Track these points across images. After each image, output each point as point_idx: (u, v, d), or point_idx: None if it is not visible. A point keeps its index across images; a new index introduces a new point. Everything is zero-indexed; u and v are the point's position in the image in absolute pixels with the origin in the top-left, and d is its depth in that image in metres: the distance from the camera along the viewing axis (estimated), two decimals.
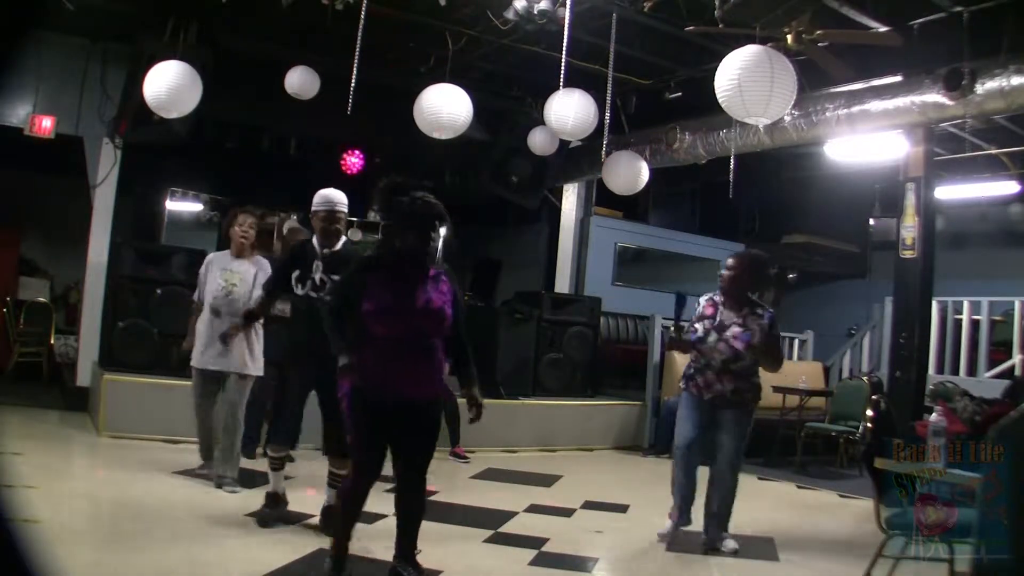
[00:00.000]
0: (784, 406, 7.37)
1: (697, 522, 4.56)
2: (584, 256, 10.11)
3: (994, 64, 5.49)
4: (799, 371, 8.04)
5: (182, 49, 6.47)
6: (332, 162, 9.74)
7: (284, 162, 9.42)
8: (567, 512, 5.16)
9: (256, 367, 4.96)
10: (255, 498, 4.45)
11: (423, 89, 6.00)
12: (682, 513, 4.57)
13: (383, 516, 4.13)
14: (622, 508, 5.39)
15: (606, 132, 6.52)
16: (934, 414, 3.59)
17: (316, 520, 4.27)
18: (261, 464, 4.87)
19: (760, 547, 4.52)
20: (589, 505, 5.40)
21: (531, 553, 4.10)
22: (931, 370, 7.50)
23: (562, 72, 5.81)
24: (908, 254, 6.64)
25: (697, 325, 4.53)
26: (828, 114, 6.54)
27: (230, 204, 8.93)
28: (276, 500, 4.28)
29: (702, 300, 4.60)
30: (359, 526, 4.13)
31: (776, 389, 7.26)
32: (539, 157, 8.30)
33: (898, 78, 6.19)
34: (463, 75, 6.83)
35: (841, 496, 6.35)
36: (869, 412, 3.75)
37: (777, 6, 5.59)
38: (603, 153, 6.93)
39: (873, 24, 5.73)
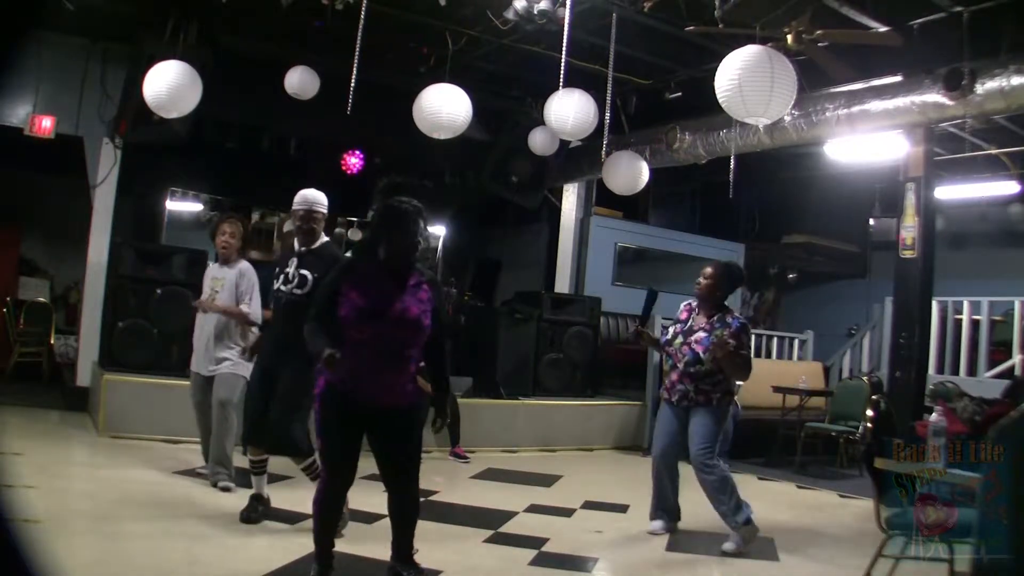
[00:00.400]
0: (784, 406, 7.37)
1: (695, 523, 4.56)
2: (584, 256, 10.11)
3: (994, 64, 5.49)
4: (799, 371, 8.05)
5: (182, 49, 6.47)
6: (332, 162, 9.75)
7: (284, 162, 9.42)
8: (567, 512, 5.16)
9: (246, 368, 4.96)
10: None
11: (423, 89, 6.00)
12: (658, 513, 4.75)
13: (383, 516, 4.11)
14: (622, 508, 5.39)
15: (606, 132, 6.52)
16: (934, 414, 3.60)
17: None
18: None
19: (760, 547, 4.51)
20: (589, 505, 5.40)
21: (531, 553, 4.10)
22: (931, 370, 7.50)
23: (562, 72, 5.80)
24: (908, 254, 6.65)
25: (671, 328, 4.74)
26: (828, 114, 6.54)
27: (230, 204, 8.96)
28: (259, 500, 4.30)
29: (681, 305, 4.79)
30: (359, 526, 4.16)
31: (776, 389, 7.28)
32: (539, 157, 8.31)
33: (898, 78, 6.19)
34: (463, 75, 6.82)
35: (841, 496, 6.35)
36: (869, 412, 3.75)
37: (777, 6, 5.59)
38: (603, 153, 6.93)
39: (873, 24, 5.73)
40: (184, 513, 4.29)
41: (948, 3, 5.70)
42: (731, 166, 6.89)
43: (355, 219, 10.73)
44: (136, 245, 7.14)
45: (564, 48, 5.58)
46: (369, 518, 4.30)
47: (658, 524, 4.74)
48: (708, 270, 4.69)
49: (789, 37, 5.45)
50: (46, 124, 7.22)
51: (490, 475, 6.28)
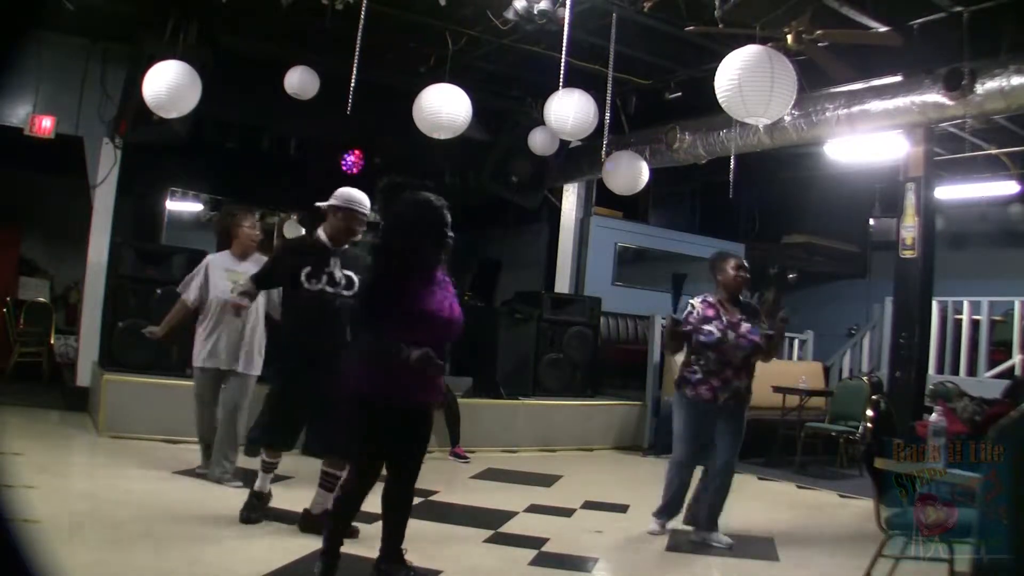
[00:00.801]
0: (784, 406, 7.36)
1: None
2: (584, 256, 10.11)
3: (994, 64, 5.49)
4: (799, 371, 8.03)
5: (182, 49, 6.47)
6: (332, 162, 9.74)
7: (284, 162, 9.41)
8: (567, 512, 5.16)
9: (258, 368, 4.96)
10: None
11: (423, 89, 6.00)
12: (664, 514, 4.72)
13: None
14: (622, 508, 5.39)
15: (606, 132, 6.52)
16: (934, 414, 3.59)
17: None
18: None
19: (760, 547, 4.52)
20: (589, 505, 5.40)
21: (531, 553, 4.10)
22: (931, 370, 7.50)
23: (562, 72, 5.80)
24: (908, 254, 6.65)
25: (708, 327, 4.45)
26: (828, 114, 6.54)
27: (228, 204, 8.93)
28: (259, 498, 4.28)
29: (696, 303, 4.53)
30: (358, 526, 4.15)
31: (776, 389, 7.27)
32: (539, 157, 8.30)
33: (898, 78, 6.19)
34: (463, 75, 6.82)
35: (841, 496, 6.35)
36: (869, 412, 3.75)
37: (777, 6, 5.59)
38: (603, 153, 6.93)
39: (873, 24, 5.73)
40: (184, 513, 4.29)
41: (948, 3, 5.69)
42: (731, 166, 6.89)
43: None
44: (136, 245, 7.14)
45: (564, 48, 5.58)
46: (368, 518, 4.29)
47: (658, 524, 4.73)
48: (743, 263, 4.65)
49: (789, 37, 5.45)
50: (46, 124, 7.22)
51: (490, 475, 6.28)
